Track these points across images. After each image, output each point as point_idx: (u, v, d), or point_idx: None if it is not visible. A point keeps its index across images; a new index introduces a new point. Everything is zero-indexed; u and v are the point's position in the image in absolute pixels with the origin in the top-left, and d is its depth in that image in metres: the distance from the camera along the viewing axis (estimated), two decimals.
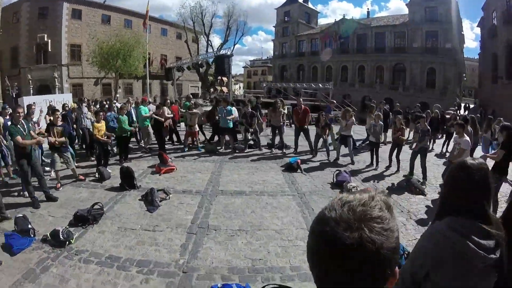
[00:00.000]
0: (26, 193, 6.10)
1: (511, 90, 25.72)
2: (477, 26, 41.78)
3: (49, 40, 31.39)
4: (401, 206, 5.95)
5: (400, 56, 40.11)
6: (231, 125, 10.61)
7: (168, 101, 13.42)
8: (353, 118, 9.98)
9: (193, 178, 7.63)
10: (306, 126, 10.28)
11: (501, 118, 11.02)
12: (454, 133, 7.82)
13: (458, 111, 28.36)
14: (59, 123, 7.22)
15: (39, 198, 5.94)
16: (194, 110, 11.03)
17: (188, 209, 5.69)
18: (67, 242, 4.36)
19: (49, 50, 31.53)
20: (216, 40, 46.79)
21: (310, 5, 55.58)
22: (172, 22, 42.34)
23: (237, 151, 10.60)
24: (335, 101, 13.44)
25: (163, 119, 10.26)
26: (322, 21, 55.03)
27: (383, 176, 8.25)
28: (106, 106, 13.21)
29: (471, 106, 42.26)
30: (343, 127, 9.51)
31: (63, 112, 10.35)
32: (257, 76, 72.83)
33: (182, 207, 5.77)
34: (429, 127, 8.31)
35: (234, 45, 44.94)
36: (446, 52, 36.34)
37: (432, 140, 11.44)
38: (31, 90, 28.47)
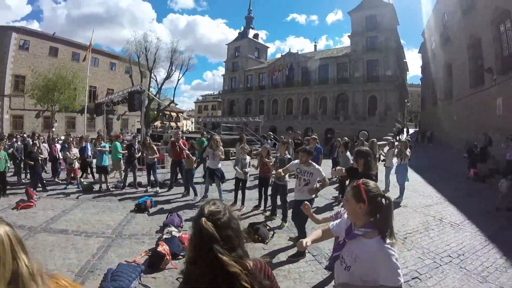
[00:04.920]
0: None
1: (448, 110, 27.63)
2: (418, 52, 45.27)
3: None
4: None
5: (343, 86, 42.01)
6: (106, 163, 10.63)
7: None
8: (221, 146, 8.86)
9: (41, 214, 7.49)
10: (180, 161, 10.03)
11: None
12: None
13: (397, 137, 29.57)
14: None
15: None
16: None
17: None
18: None
19: None
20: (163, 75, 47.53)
21: (260, 40, 58.41)
22: (120, 56, 42.63)
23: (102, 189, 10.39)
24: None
25: None
26: (279, 56, 57.10)
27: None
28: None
29: (411, 130, 44.65)
30: (211, 159, 8.62)
31: None
32: (207, 111, 73.79)
33: None
34: (287, 154, 7.48)
35: (178, 80, 45.96)
36: (386, 79, 38.38)
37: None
38: None
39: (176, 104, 52.49)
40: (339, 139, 12.28)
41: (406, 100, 54.79)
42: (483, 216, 7.53)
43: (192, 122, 74.43)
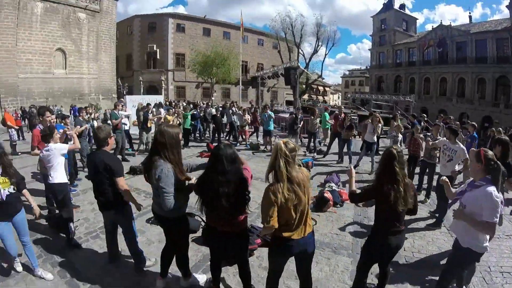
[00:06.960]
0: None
1: None
2: None
3: (158, 50, 38.58)
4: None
5: (503, 67, 33.81)
6: (272, 127, 12.54)
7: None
8: (380, 124, 9.65)
9: None
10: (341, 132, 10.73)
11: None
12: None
13: None
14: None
15: None
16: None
17: None
18: None
19: (158, 57, 38.76)
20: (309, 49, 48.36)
21: (407, 11, 52.56)
22: (267, 33, 45.59)
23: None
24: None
25: None
26: (428, 28, 50.82)
27: None
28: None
29: None
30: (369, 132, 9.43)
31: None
32: (354, 86, 71.34)
33: None
34: (439, 136, 7.35)
35: (326, 55, 46.53)
36: None
37: None
38: (142, 90, 35.02)
39: (323, 79, 53.50)
40: (493, 128, 11.42)
41: None
42: None
43: (338, 97, 73.93)
